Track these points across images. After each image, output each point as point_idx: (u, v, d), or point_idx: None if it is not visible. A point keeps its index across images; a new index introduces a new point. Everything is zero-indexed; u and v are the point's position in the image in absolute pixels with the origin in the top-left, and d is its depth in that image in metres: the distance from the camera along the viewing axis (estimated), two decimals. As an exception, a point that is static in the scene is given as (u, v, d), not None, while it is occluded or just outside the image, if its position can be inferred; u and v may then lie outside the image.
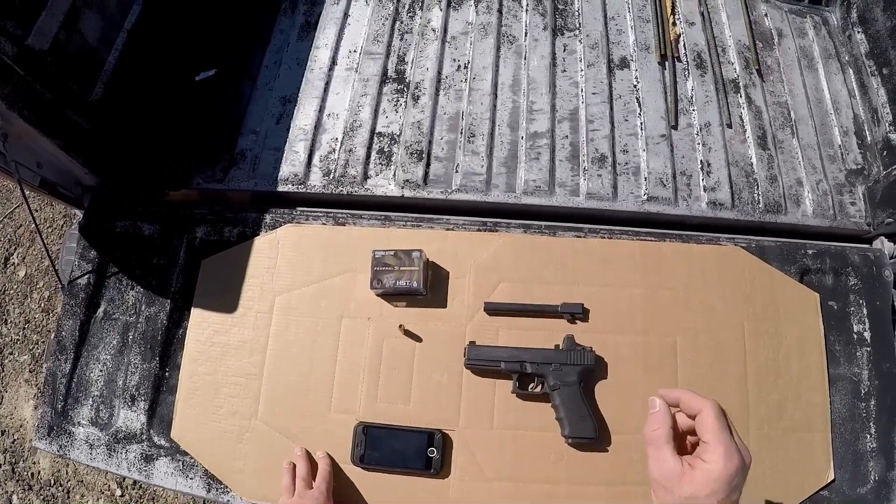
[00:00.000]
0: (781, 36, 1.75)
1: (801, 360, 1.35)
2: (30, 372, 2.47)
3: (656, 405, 0.82)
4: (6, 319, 2.56)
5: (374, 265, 1.32)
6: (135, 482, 2.27)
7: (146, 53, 1.58)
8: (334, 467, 1.27)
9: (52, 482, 2.33)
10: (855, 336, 1.39)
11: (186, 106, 1.62)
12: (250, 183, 1.53)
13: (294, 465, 1.25)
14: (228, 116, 1.61)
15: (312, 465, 1.27)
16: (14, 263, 2.65)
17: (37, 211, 2.70)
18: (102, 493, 2.29)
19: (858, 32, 1.70)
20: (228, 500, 1.31)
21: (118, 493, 2.27)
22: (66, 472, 2.33)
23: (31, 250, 2.66)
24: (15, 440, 2.40)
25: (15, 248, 2.67)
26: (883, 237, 1.50)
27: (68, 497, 2.30)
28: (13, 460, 2.37)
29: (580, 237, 1.44)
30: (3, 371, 2.49)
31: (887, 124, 1.55)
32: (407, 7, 1.76)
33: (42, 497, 2.31)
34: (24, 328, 2.53)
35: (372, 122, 1.59)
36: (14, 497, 2.32)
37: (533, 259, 1.41)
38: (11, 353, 2.51)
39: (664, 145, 1.56)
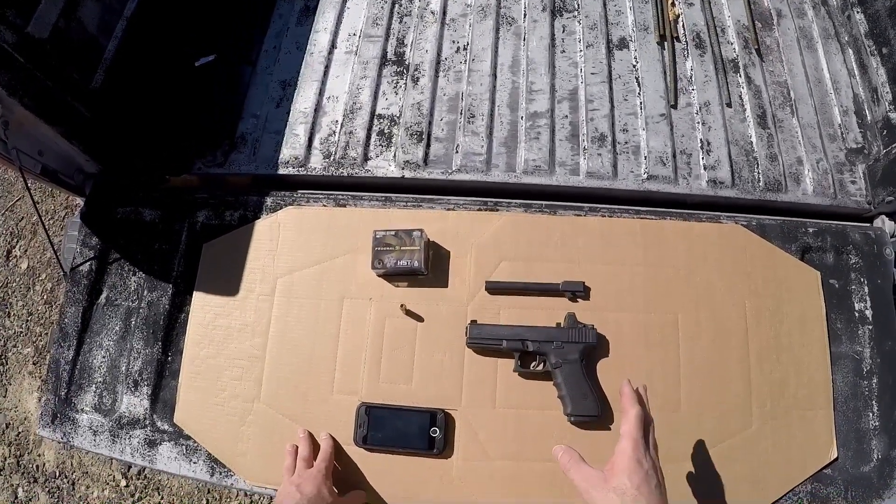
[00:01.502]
0: (780, 16, 1.75)
1: (803, 338, 1.35)
2: (33, 364, 2.48)
3: (557, 454, 1.06)
4: (9, 312, 2.57)
5: (374, 245, 1.32)
6: (139, 472, 2.28)
7: (146, 40, 1.58)
8: (337, 448, 1.28)
9: (57, 474, 2.33)
10: (856, 314, 1.39)
11: (186, 91, 1.62)
12: (251, 166, 1.54)
13: (296, 447, 1.26)
14: (228, 101, 1.61)
15: (314, 446, 1.27)
16: (16, 256, 2.66)
17: (38, 202, 2.71)
18: (107, 483, 2.29)
19: (858, 12, 1.70)
20: (232, 484, 1.31)
21: (123, 483, 2.28)
22: (71, 464, 2.34)
23: (33, 243, 2.67)
24: (20, 433, 2.41)
25: (17, 241, 2.68)
26: (883, 215, 1.49)
27: (73, 488, 2.31)
28: (18, 453, 2.38)
29: (580, 216, 1.44)
30: (7, 364, 2.50)
31: (887, 103, 1.55)
32: (406, -10, 1.76)
33: (47, 489, 2.32)
34: (28, 320, 2.54)
35: (372, 105, 1.59)
36: (20, 489, 2.33)
37: (534, 238, 1.41)
38: (15, 346, 2.51)
39: (664, 124, 1.56)
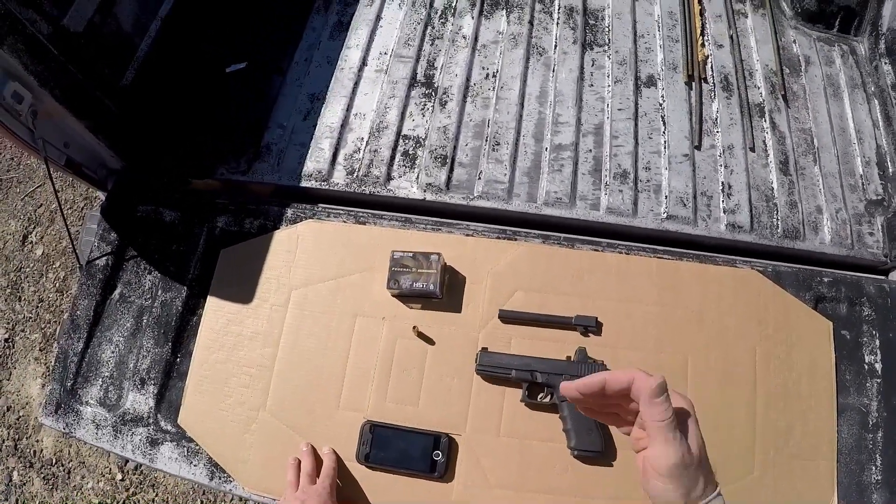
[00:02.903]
0: (809, 63, 1.76)
1: (811, 387, 1.35)
2: (40, 350, 2.48)
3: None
4: (20, 297, 2.58)
5: (392, 265, 1.33)
6: (136, 467, 2.28)
7: (179, 42, 1.60)
8: (339, 464, 1.28)
9: (54, 461, 2.34)
10: (866, 367, 1.39)
11: (215, 97, 1.64)
12: (274, 176, 1.55)
13: (299, 461, 1.26)
14: (256, 109, 1.63)
15: (318, 462, 1.27)
16: (32, 242, 2.67)
17: (59, 191, 2.72)
18: (103, 475, 2.29)
19: (886, 63, 1.70)
20: (230, 490, 1.31)
21: (119, 476, 2.28)
22: (69, 453, 2.34)
23: (50, 230, 2.68)
24: (20, 417, 2.41)
25: (34, 227, 2.70)
26: (899, 269, 1.49)
27: (69, 477, 2.31)
28: (16, 437, 2.39)
29: (598, 251, 1.44)
30: (14, 347, 2.51)
31: (910, 157, 1.56)
32: (439, 13, 1.77)
33: (42, 475, 2.32)
34: (38, 307, 2.55)
35: (398, 125, 1.60)
36: (14, 473, 2.33)
37: (550, 270, 1.41)
38: (23, 331, 2.52)
39: (686, 165, 1.56)
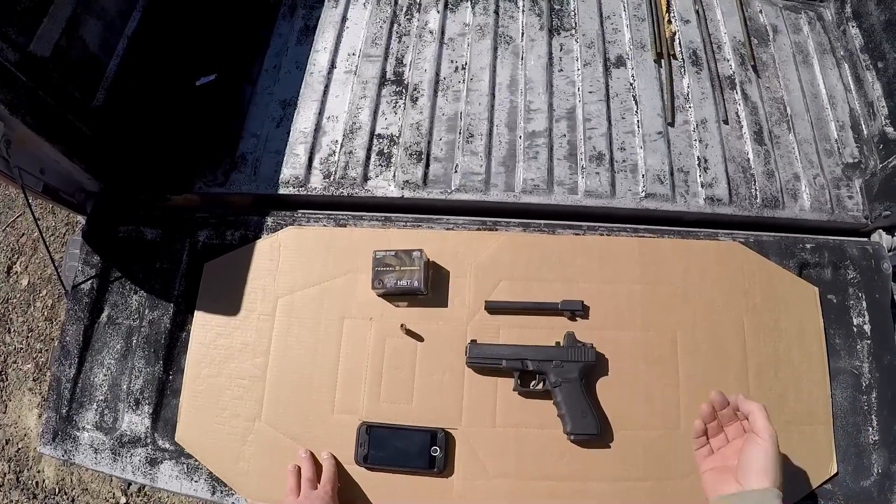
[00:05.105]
0: (776, 32, 1.76)
1: (802, 354, 1.36)
2: (33, 381, 2.47)
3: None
4: (9, 328, 2.56)
5: (375, 265, 1.33)
6: (139, 489, 2.27)
7: (147, 59, 1.59)
8: (338, 467, 1.28)
9: (57, 490, 2.33)
10: (855, 329, 1.40)
11: (187, 111, 1.63)
12: (251, 186, 1.54)
13: (299, 468, 1.25)
14: (229, 120, 1.62)
15: (317, 467, 1.27)
16: (17, 272, 2.66)
17: (39, 219, 2.70)
18: (107, 500, 2.28)
19: (853, 27, 1.71)
20: (233, 502, 1.31)
21: (122, 500, 2.27)
22: (71, 481, 2.33)
23: (34, 259, 2.67)
24: (19, 449, 2.40)
25: (17, 257, 2.68)
26: (881, 230, 1.50)
27: (73, 505, 2.31)
28: (18, 469, 2.37)
29: (579, 235, 1.45)
30: (7, 380, 2.49)
31: (883, 118, 1.56)
32: (404, 10, 1.77)
33: (47, 505, 2.31)
34: (28, 337, 2.54)
35: (371, 124, 1.60)
36: (19, 506, 2.33)
37: (533, 257, 1.41)
38: (15, 362, 2.51)
39: (661, 142, 1.57)
